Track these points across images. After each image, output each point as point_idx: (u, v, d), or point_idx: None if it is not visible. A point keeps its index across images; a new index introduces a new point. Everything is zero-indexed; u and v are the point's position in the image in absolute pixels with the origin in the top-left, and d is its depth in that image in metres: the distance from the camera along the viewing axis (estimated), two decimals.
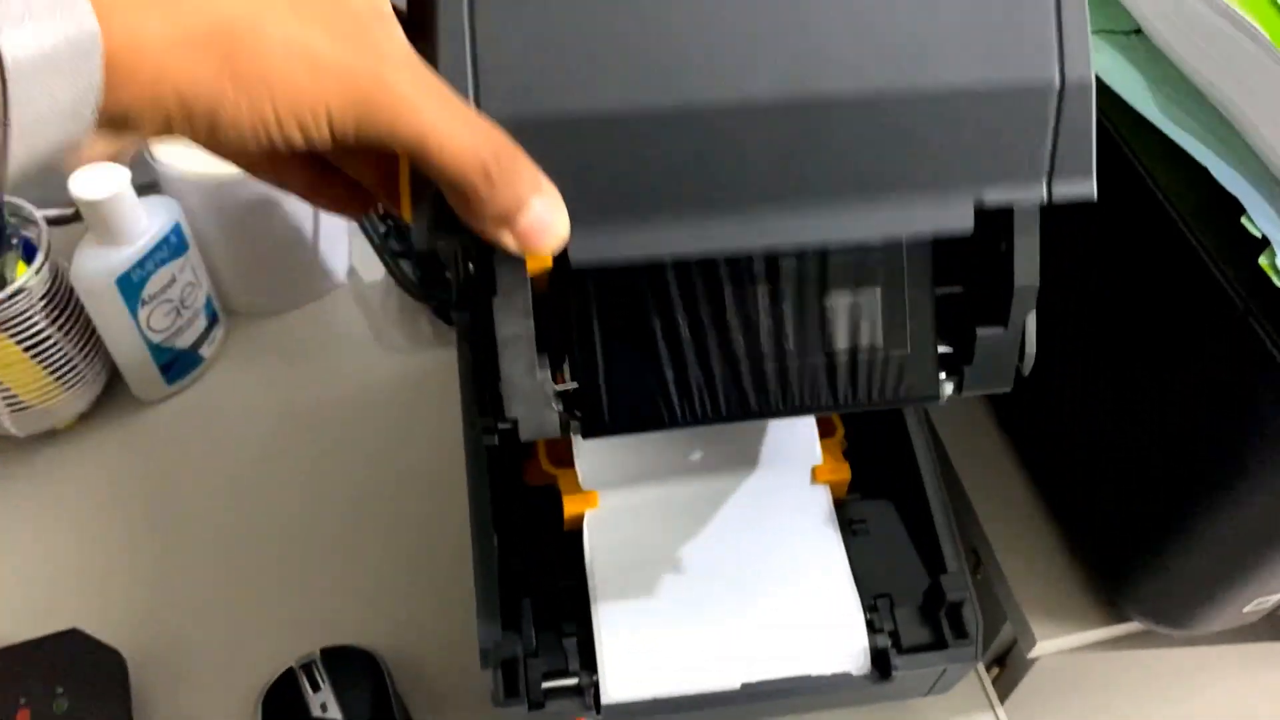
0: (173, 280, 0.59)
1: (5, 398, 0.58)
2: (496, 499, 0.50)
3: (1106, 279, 0.50)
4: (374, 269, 0.71)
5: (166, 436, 0.63)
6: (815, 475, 0.51)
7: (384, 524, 0.59)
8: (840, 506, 0.51)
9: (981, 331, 0.37)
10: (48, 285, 0.56)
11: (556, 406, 0.36)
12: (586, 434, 0.37)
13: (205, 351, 0.65)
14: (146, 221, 0.56)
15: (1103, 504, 0.53)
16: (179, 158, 0.59)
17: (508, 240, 0.30)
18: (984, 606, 0.49)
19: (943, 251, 0.37)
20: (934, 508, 0.51)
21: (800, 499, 0.51)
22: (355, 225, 0.71)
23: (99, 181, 0.53)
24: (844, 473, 0.51)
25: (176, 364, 0.63)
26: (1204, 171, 0.43)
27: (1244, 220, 0.41)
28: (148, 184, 0.59)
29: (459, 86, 0.30)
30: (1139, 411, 0.49)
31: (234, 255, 0.65)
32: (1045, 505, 0.59)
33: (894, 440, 0.53)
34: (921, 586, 0.49)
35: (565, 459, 0.50)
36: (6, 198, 0.56)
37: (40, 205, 0.66)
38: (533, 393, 0.35)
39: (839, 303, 0.37)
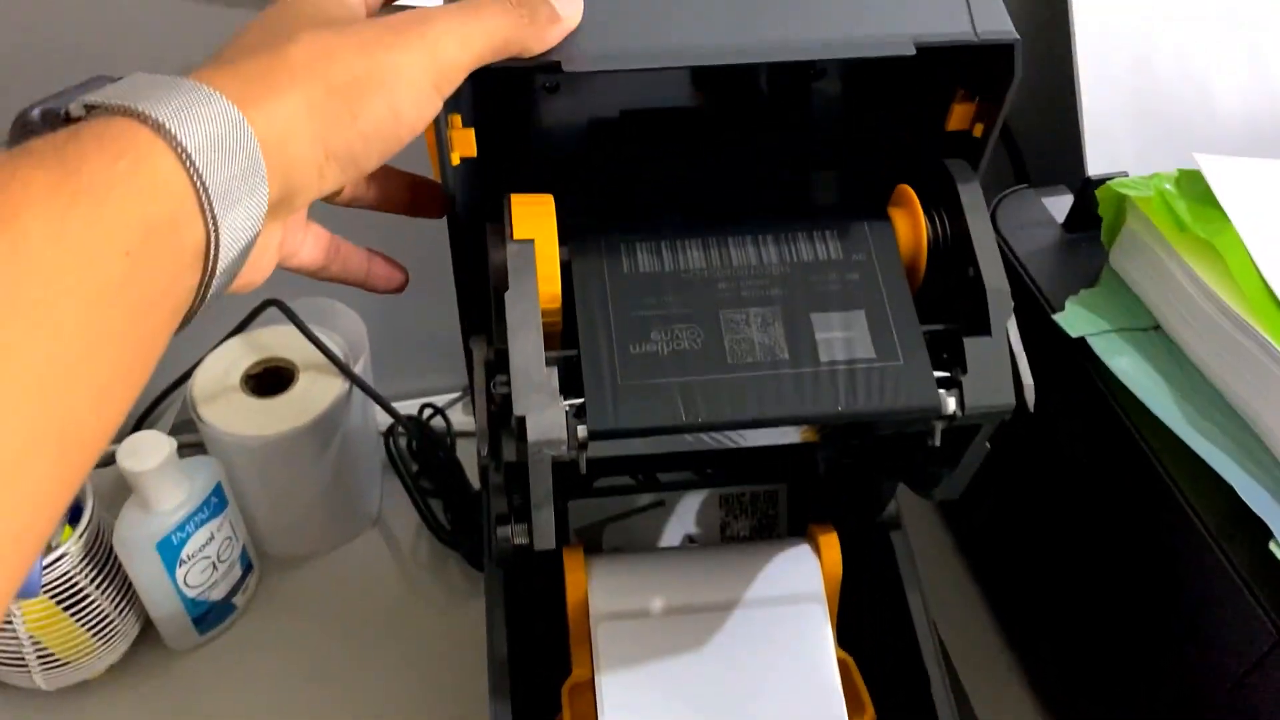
0: (211, 538, 0.60)
1: (39, 654, 0.58)
2: None
3: (1140, 585, 0.50)
4: (405, 511, 0.72)
5: (196, 686, 0.63)
6: None
7: None
8: None
9: (970, 340, 0.40)
10: (89, 546, 0.57)
11: (564, 407, 0.38)
12: (593, 434, 0.38)
13: (238, 600, 0.65)
14: (189, 485, 0.58)
15: None
16: (223, 420, 0.61)
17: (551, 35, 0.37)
18: None
19: (924, 299, 0.42)
20: None
21: None
22: (389, 465, 0.72)
23: (144, 453, 0.55)
24: None
25: (209, 615, 0.63)
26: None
27: (1272, 546, 0.41)
28: (192, 443, 0.61)
29: None
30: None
31: (272, 507, 0.66)
32: None
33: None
34: None
35: None
36: None
37: None
38: (541, 385, 0.37)
39: (825, 320, 0.40)
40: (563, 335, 0.42)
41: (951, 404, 0.39)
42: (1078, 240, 0.56)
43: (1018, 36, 0.39)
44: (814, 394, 0.39)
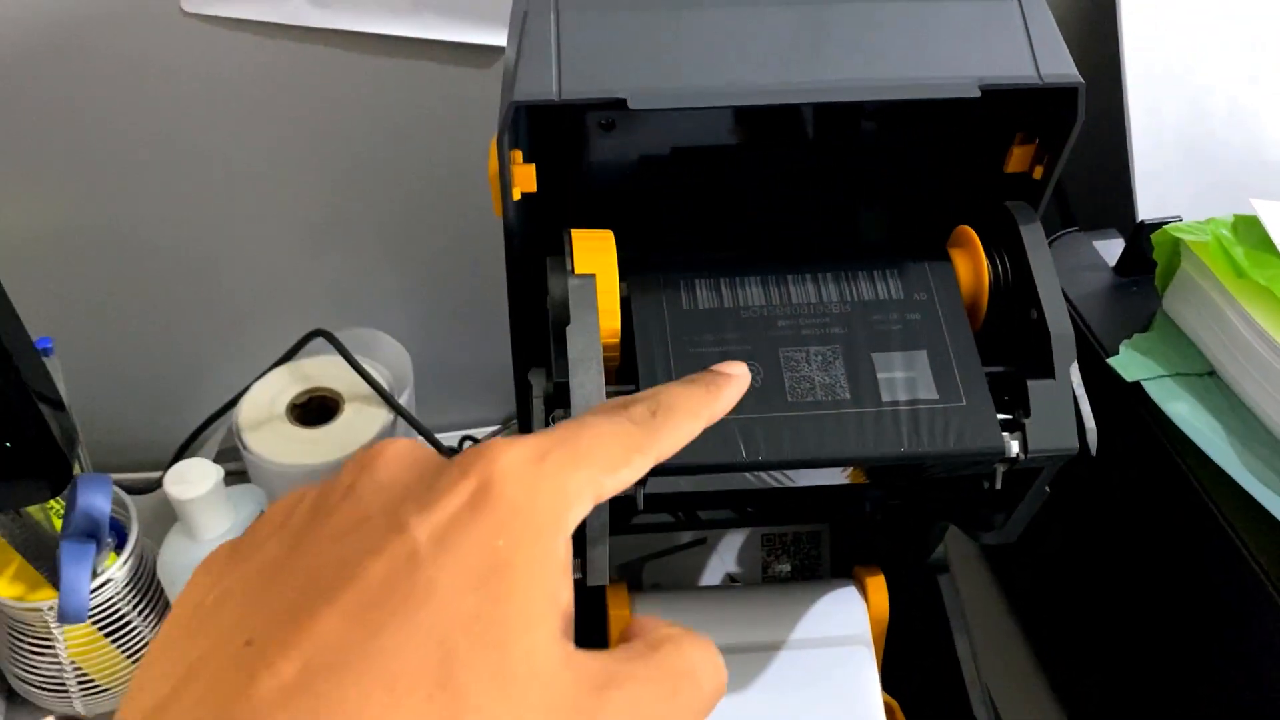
0: None
1: (79, 680, 0.59)
2: None
3: (1199, 634, 0.49)
4: None
5: None
6: None
7: None
8: None
9: (1033, 383, 0.40)
10: (133, 573, 0.58)
11: None
12: (652, 469, 0.37)
13: None
14: (234, 513, 0.58)
15: None
16: (268, 448, 0.61)
17: None
18: None
19: (984, 340, 0.42)
20: None
21: None
22: None
23: (192, 481, 0.55)
24: None
25: None
26: None
27: None
28: (236, 470, 0.61)
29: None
30: None
31: None
32: None
33: None
34: None
35: None
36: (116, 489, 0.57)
37: (131, 470, 0.70)
38: None
39: (886, 359, 0.40)
40: (621, 370, 0.42)
41: (1014, 447, 0.39)
42: (1129, 284, 0.56)
43: (1081, 80, 0.39)
44: (876, 434, 0.39)
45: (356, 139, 0.65)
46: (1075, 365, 0.40)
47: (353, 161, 0.66)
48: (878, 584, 0.53)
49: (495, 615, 0.21)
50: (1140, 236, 0.54)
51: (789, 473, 0.45)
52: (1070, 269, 0.57)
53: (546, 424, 0.40)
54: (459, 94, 0.63)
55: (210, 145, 0.63)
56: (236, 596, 0.21)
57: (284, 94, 0.62)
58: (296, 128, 0.63)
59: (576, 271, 0.40)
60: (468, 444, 0.76)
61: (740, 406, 0.39)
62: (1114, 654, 0.56)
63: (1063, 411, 0.39)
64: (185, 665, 0.20)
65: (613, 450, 0.25)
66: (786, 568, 0.62)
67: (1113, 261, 0.57)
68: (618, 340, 0.41)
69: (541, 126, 0.43)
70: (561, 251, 0.41)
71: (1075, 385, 0.40)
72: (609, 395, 0.38)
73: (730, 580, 0.62)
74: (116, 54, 0.58)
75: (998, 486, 0.41)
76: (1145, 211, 0.56)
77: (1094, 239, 0.59)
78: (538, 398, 0.41)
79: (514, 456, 0.23)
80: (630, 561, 0.61)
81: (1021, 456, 0.39)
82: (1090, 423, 0.39)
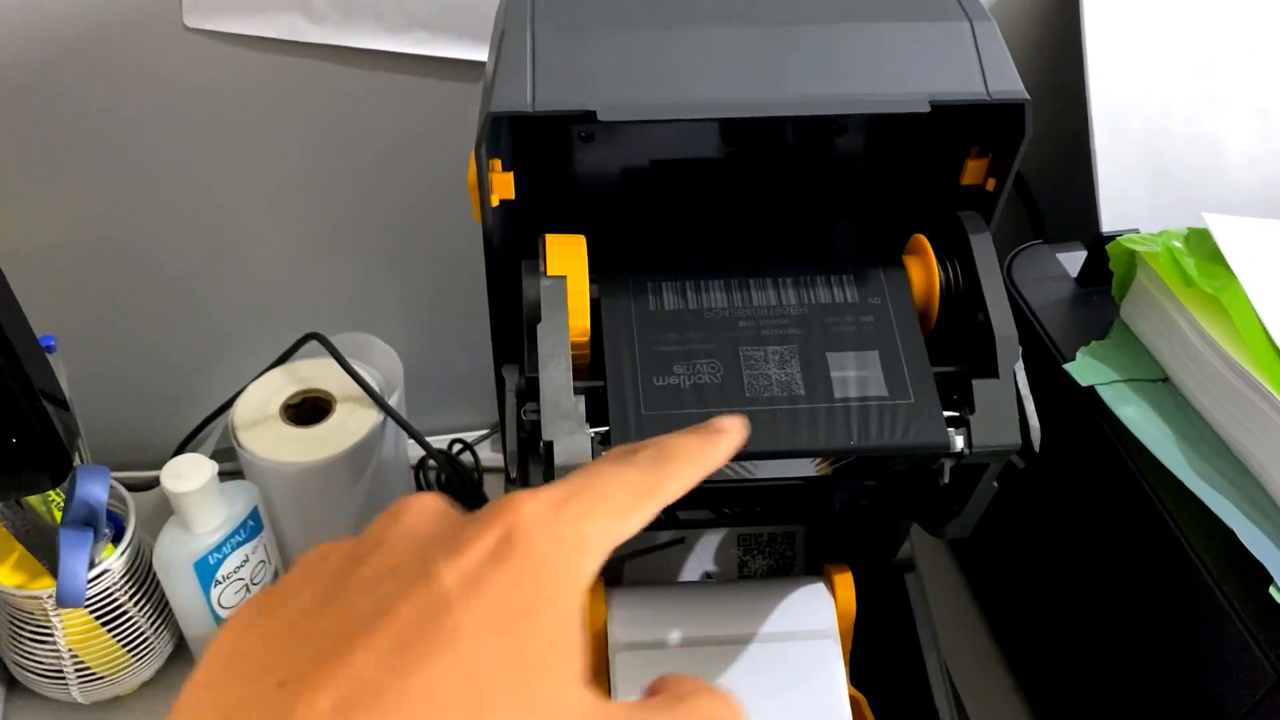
0: (245, 560, 0.62)
1: (77, 668, 0.61)
2: None
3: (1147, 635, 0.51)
4: None
5: None
6: None
7: None
8: None
9: (978, 382, 0.42)
10: (130, 564, 0.60)
11: (590, 434, 0.40)
12: None
13: None
14: (228, 508, 0.60)
15: None
16: (262, 447, 0.63)
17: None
18: None
19: (936, 343, 0.44)
20: None
21: None
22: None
23: (187, 475, 0.57)
24: None
25: None
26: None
27: (1272, 591, 0.42)
28: (231, 470, 0.63)
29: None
30: None
31: (305, 533, 0.68)
32: None
33: None
34: None
35: None
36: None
37: (130, 469, 0.72)
38: (569, 412, 0.40)
39: (840, 359, 0.42)
40: (590, 367, 0.44)
41: (960, 442, 0.41)
42: (1090, 294, 0.58)
43: (1028, 96, 0.41)
44: (828, 428, 0.41)
45: (350, 151, 0.67)
46: (1020, 365, 0.42)
47: (347, 172, 0.68)
48: (845, 581, 0.55)
49: (522, 657, 0.22)
50: (1100, 248, 0.56)
51: (749, 465, 0.47)
52: (1034, 279, 0.59)
53: (519, 417, 0.43)
54: (449, 107, 0.65)
55: (210, 155, 0.65)
56: (269, 643, 0.22)
57: (282, 107, 0.64)
58: (292, 140, 0.66)
59: (549, 273, 0.43)
60: (457, 447, 0.78)
61: (703, 400, 0.42)
62: (1072, 647, 0.58)
63: (1006, 408, 0.41)
64: (222, 710, 0.21)
65: (625, 497, 0.27)
66: (762, 566, 0.64)
67: (1075, 273, 0.59)
68: (587, 339, 0.43)
69: (520, 137, 0.46)
70: (537, 255, 0.44)
71: (1020, 384, 0.42)
72: (577, 391, 0.41)
73: (707, 578, 0.64)
74: (122, 67, 0.61)
75: (946, 481, 0.43)
76: (1109, 225, 0.59)
77: (1058, 251, 0.61)
78: (510, 392, 0.43)
79: (535, 507, 0.25)
80: (609, 560, 0.63)
81: (967, 451, 0.41)
82: (1034, 420, 0.42)
